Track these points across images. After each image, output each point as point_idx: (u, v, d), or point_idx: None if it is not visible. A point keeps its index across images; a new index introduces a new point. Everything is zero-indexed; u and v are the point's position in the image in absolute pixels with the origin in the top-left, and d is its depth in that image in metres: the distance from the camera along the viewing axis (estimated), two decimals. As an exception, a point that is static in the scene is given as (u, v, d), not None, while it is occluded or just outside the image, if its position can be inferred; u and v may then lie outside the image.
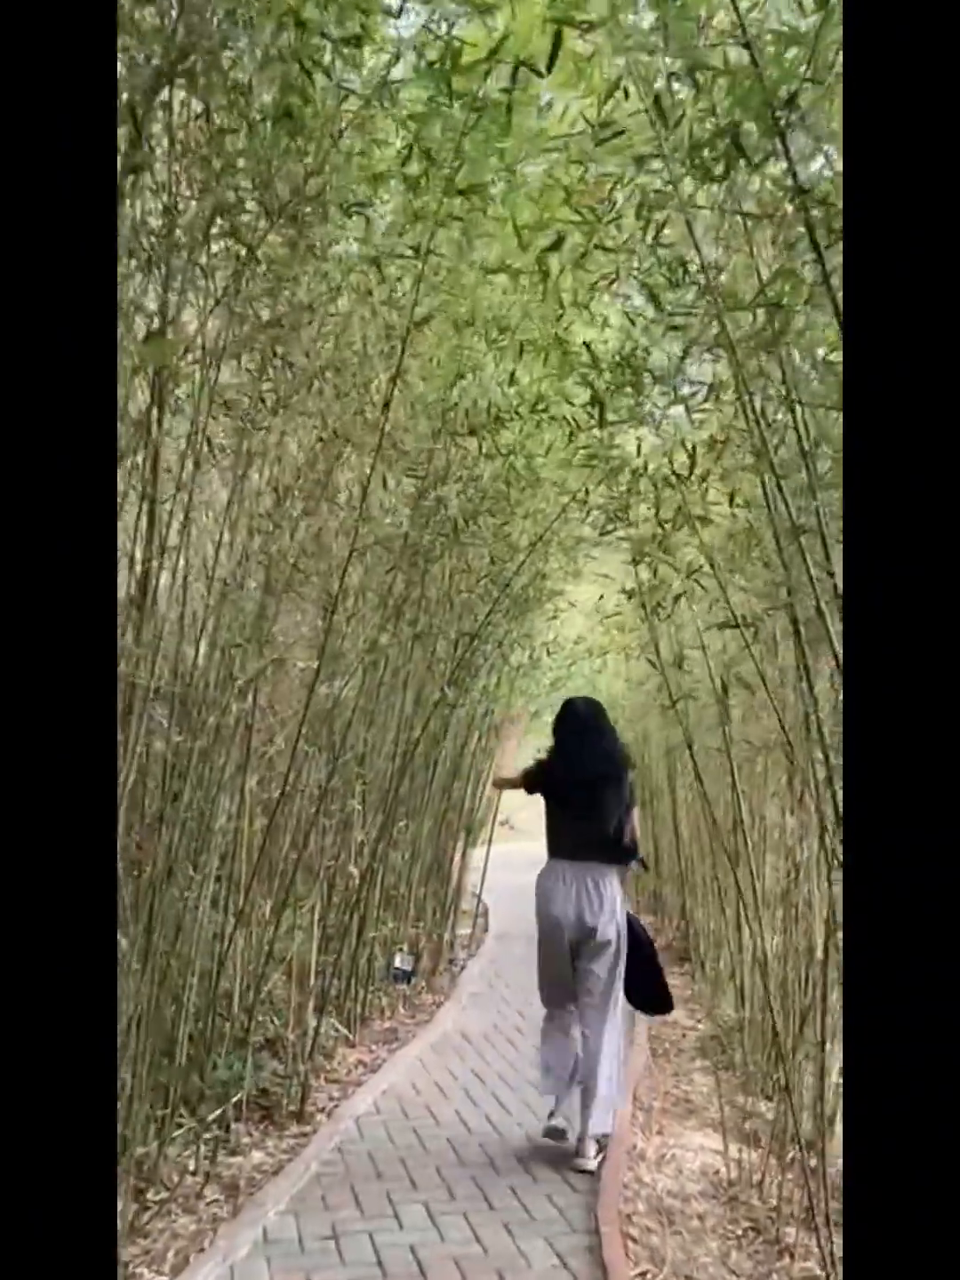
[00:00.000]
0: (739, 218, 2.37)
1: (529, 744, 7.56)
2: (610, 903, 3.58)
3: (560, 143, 2.37)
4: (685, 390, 2.85)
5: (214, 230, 2.63)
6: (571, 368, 3.09)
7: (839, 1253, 2.71)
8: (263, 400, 3.13)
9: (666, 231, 2.44)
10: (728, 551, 3.14)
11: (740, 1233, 3.13)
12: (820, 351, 2.29)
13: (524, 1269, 2.82)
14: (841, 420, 2.11)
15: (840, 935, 2.95)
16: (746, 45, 1.93)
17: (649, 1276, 2.83)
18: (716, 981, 5.71)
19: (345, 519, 3.70)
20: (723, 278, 2.40)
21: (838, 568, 2.32)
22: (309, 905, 4.24)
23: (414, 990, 5.65)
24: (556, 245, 2.44)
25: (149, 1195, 3.00)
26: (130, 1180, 2.86)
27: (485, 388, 3.78)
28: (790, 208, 2.05)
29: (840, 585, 2.31)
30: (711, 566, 3.08)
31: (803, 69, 1.92)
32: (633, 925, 3.70)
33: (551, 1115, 3.73)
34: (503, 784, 4.16)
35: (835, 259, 1.89)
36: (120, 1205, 2.70)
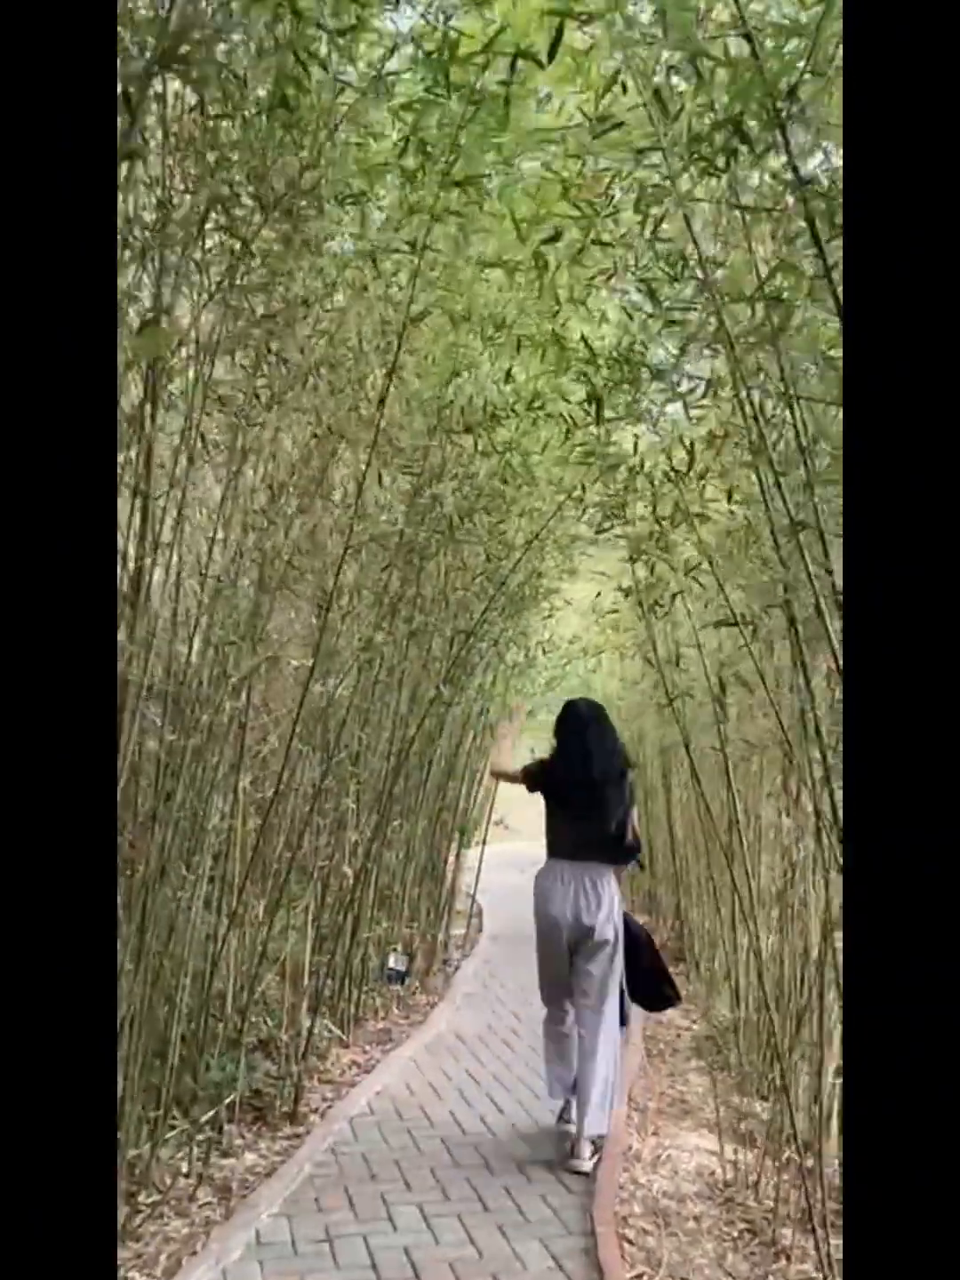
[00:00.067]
0: (738, 212, 2.35)
1: (525, 741, 7.53)
2: (607, 902, 3.57)
3: (558, 135, 2.35)
4: (683, 387, 2.83)
5: (209, 225, 2.61)
6: (568, 365, 3.07)
7: (836, 1255, 2.69)
8: (257, 396, 3.11)
9: (664, 226, 2.42)
10: (725, 549, 3.13)
11: (736, 1234, 3.11)
12: (819, 346, 2.27)
13: (519, 1271, 2.80)
14: (839, 417, 2.10)
15: (836, 935, 2.94)
16: (747, 37, 1.92)
17: (645, 1279, 2.82)
18: (712, 981, 5.71)
19: (340, 516, 3.68)
20: (721, 273, 2.38)
21: (835, 565, 2.31)
22: (303, 905, 4.22)
23: (408, 991, 5.64)
24: (554, 239, 2.42)
25: (141, 1198, 2.98)
26: (122, 1183, 2.83)
27: (481, 384, 3.75)
28: (790, 200, 2.03)
29: (838, 583, 2.30)
30: (710, 565, 3.07)
31: (802, 63, 1.91)
32: (628, 924, 3.69)
33: (562, 1117, 3.73)
34: (500, 774, 4.12)
35: (836, 254, 1.87)
36: (112, 1208, 2.67)
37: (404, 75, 2.42)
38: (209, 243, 2.68)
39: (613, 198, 2.51)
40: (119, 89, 1.97)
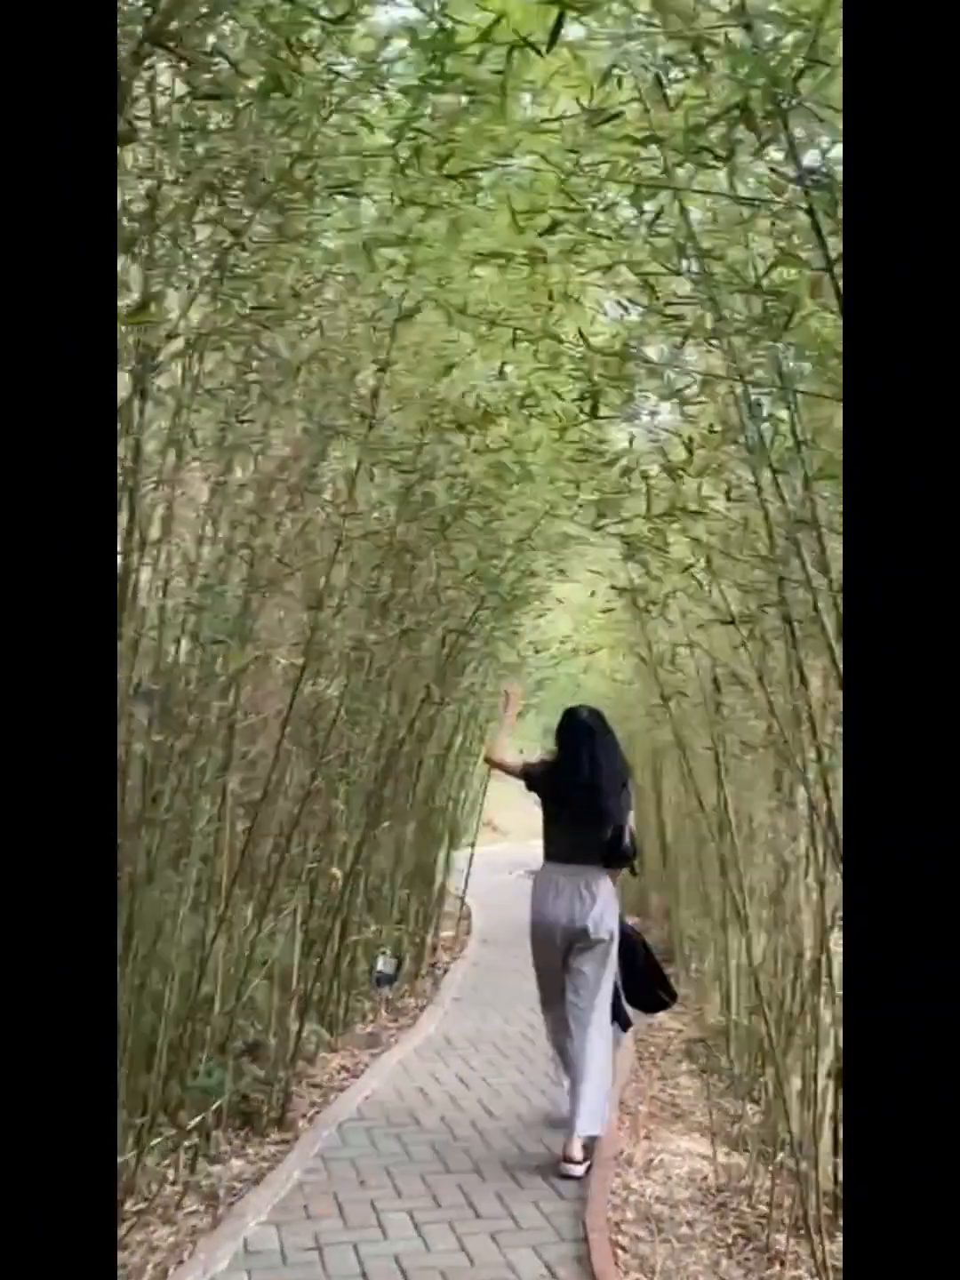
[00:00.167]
0: (736, 205, 2.33)
1: (520, 736, 7.50)
2: (601, 903, 3.57)
3: (555, 126, 2.32)
4: (679, 383, 2.80)
5: (198, 218, 2.57)
6: (562, 361, 3.03)
7: (831, 1261, 2.66)
8: (246, 391, 3.07)
9: (661, 219, 2.40)
10: (720, 546, 3.10)
11: (730, 1240, 3.08)
12: (818, 341, 2.25)
13: None
14: (837, 413, 2.07)
15: (829, 937, 2.92)
16: (747, 26, 1.89)
17: (639, 1286, 2.79)
18: (702, 984, 5.69)
19: (331, 514, 3.65)
20: (718, 267, 2.35)
21: (831, 563, 2.29)
22: (291, 908, 4.18)
23: (397, 994, 5.60)
24: (550, 230, 2.39)
25: (127, 1206, 2.93)
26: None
27: (474, 381, 3.72)
28: (791, 191, 2.00)
29: (835, 581, 2.28)
30: (707, 563, 3.05)
31: (802, 55, 1.88)
32: (623, 927, 3.69)
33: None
34: (496, 763, 4.05)
35: (837, 248, 1.84)
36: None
37: (397, 65, 2.39)
38: (199, 235, 2.64)
39: (608, 191, 2.48)
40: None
